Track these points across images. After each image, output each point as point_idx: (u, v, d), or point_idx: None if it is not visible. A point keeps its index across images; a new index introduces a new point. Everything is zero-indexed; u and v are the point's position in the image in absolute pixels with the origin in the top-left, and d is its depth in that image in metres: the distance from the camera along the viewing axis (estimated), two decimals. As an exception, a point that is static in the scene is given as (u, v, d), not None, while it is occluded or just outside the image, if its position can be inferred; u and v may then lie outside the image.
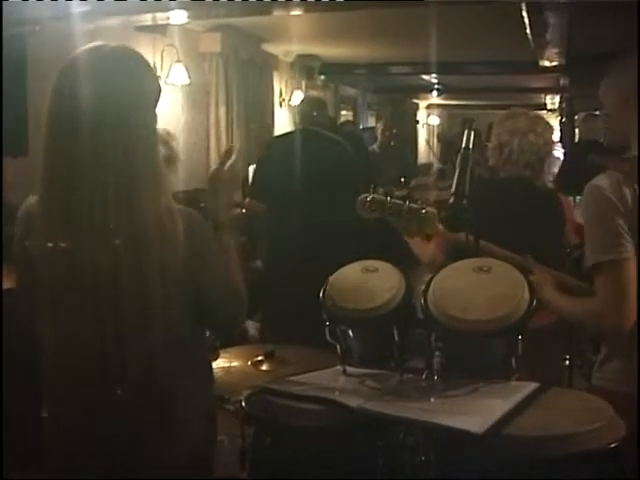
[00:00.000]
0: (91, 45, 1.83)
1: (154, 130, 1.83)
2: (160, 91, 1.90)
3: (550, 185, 3.70)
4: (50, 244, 1.75)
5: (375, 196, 2.37)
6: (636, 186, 2.19)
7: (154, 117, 1.84)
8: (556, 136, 9.97)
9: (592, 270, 2.23)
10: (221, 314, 1.92)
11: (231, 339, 2.64)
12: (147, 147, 1.77)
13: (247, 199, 4.62)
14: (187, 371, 1.84)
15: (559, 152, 9.19)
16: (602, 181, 2.23)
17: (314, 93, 8.08)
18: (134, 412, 1.78)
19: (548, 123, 3.40)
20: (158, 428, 1.81)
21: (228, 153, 2.05)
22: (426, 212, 2.36)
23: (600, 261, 2.19)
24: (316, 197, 4.44)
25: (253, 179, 5.14)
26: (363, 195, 2.39)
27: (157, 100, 1.88)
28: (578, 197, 4.52)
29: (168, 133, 1.92)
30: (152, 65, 1.96)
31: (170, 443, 1.82)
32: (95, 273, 1.73)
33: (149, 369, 1.76)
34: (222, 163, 2.02)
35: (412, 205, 2.36)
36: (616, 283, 2.17)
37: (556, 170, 8.02)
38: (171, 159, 1.94)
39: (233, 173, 2.02)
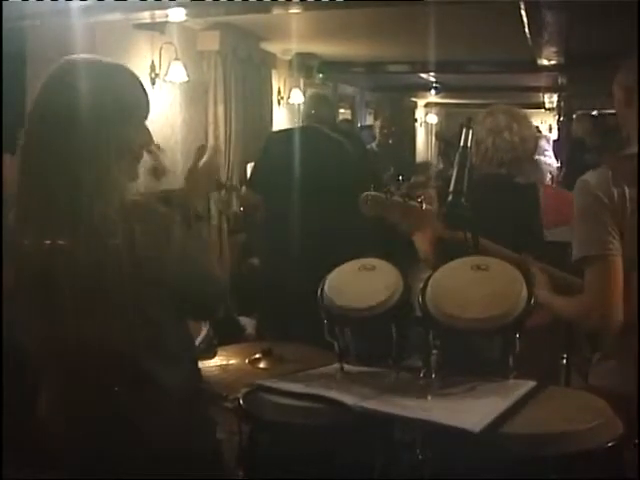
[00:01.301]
0: (83, 55, 1.94)
1: (123, 144, 1.88)
2: (145, 110, 1.97)
3: (532, 181, 3.69)
4: (25, 241, 1.78)
5: (375, 194, 2.38)
6: (624, 185, 2.19)
7: (127, 132, 1.89)
8: (538, 133, 9.99)
9: (577, 265, 2.24)
10: (196, 298, 1.98)
11: (227, 335, 2.65)
12: (104, 155, 1.82)
13: (243, 188, 4.63)
14: (168, 363, 1.86)
15: (549, 150, 9.22)
16: (590, 176, 2.24)
17: (319, 90, 8.08)
18: (132, 409, 1.79)
19: (527, 120, 3.37)
20: (153, 424, 1.82)
21: (200, 151, 2.15)
22: (425, 210, 2.37)
23: (584, 256, 2.20)
24: (314, 194, 4.44)
25: (251, 173, 5.14)
26: (364, 193, 2.40)
27: (141, 116, 1.96)
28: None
29: (157, 147, 1.98)
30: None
31: (161, 439, 1.84)
32: (56, 272, 1.76)
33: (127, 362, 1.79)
34: (196, 160, 2.13)
35: (411, 203, 2.36)
36: (600, 279, 2.17)
37: (550, 168, 8.05)
38: (157, 171, 2.02)
39: (208, 169, 2.13)
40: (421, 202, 2.37)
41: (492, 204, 3.04)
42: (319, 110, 5.00)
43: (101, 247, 1.75)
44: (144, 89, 1.99)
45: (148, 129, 1.98)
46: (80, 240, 1.75)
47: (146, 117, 1.98)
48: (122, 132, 1.87)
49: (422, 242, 2.89)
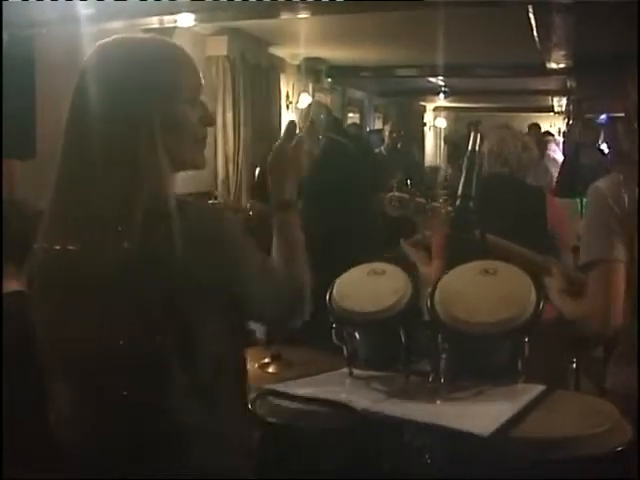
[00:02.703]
0: (110, 40, 1.73)
1: (174, 123, 1.69)
2: (199, 87, 1.75)
3: (539, 184, 3.77)
4: (58, 246, 1.75)
5: (400, 195, 2.40)
6: (636, 188, 2.19)
7: (178, 109, 1.69)
8: (549, 136, 10.01)
9: (583, 269, 2.25)
10: (269, 309, 1.80)
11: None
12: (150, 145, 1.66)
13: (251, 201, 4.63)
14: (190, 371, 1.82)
15: (558, 153, 9.22)
16: (602, 182, 2.25)
17: (319, 99, 8.10)
18: (137, 413, 1.78)
19: (525, 134, 3.55)
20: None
21: (291, 127, 1.91)
22: (447, 211, 2.38)
23: (590, 260, 2.20)
24: (320, 198, 4.44)
25: (258, 179, 5.15)
26: (390, 194, 2.42)
27: (196, 92, 1.74)
28: (585, 199, 4.54)
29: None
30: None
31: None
32: (103, 276, 1.71)
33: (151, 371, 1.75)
34: (287, 138, 1.88)
35: (434, 204, 2.38)
36: (603, 284, 2.18)
37: (556, 171, 8.04)
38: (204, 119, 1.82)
39: (298, 150, 1.88)
40: (443, 203, 2.40)
41: (497, 203, 3.05)
42: (323, 116, 5.02)
43: (148, 250, 1.64)
44: (196, 66, 1.77)
45: (204, 102, 1.76)
46: (121, 239, 1.64)
47: (200, 93, 1.76)
48: (172, 110, 1.68)
49: (422, 260, 2.92)
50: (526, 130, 9.71)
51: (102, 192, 1.66)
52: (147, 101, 1.68)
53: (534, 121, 12.07)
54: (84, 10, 4.00)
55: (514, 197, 3.26)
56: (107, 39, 1.73)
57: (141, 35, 1.79)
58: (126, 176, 1.66)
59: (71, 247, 1.73)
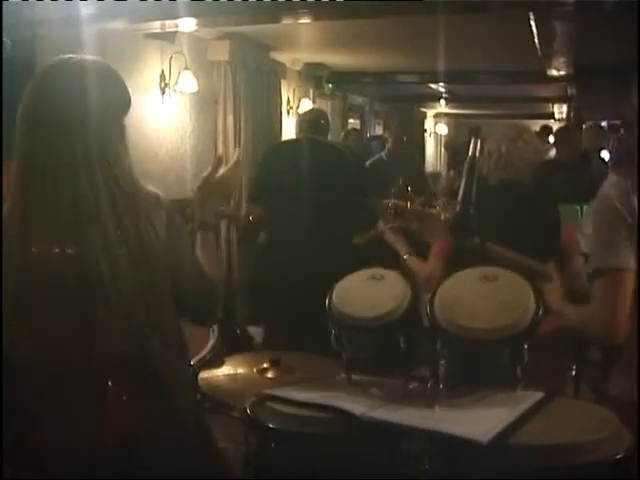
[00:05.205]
0: (63, 57, 1.93)
1: (118, 140, 1.89)
2: (125, 104, 1.95)
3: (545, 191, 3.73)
4: (57, 249, 1.76)
5: (396, 202, 2.40)
6: None
7: (114, 129, 1.89)
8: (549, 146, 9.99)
9: (592, 276, 2.24)
10: (193, 304, 2.01)
11: (235, 344, 2.65)
12: (105, 154, 1.84)
13: (245, 205, 4.64)
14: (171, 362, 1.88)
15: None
16: (611, 189, 2.24)
17: (317, 106, 8.13)
18: (133, 411, 1.79)
19: (535, 133, 3.51)
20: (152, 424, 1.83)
21: (218, 162, 2.18)
22: (445, 218, 2.39)
23: (598, 267, 2.20)
24: (317, 204, 4.45)
25: (252, 188, 5.16)
26: (386, 201, 2.43)
27: (121, 112, 1.94)
28: (585, 206, 4.53)
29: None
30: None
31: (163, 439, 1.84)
32: (68, 276, 1.75)
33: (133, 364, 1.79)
34: (213, 171, 2.14)
35: (432, 212, 2.39)
36: (609, 291, 2.18)
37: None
38: None
39: (224, 182, 2.14)
40: (441, 210, 2.40)
41: (505, 209, 3.04)
42: (323, 121, 5.04)
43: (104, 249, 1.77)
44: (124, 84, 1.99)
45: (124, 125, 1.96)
46: (85, 241, 1.77)
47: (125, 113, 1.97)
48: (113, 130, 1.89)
49: (417, 264, 2.92)
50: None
51: (62, 196, 1.79)
52: (103, 114, 1.85)
53: (542, 124, 12.08)
54: (87, 12, 4.00)
55: (523, 204, 3.20)
56: (53, 60, 1.92)
57: (87, 58, 1.94)
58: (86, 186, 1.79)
59: (70, 251, 1.75)
